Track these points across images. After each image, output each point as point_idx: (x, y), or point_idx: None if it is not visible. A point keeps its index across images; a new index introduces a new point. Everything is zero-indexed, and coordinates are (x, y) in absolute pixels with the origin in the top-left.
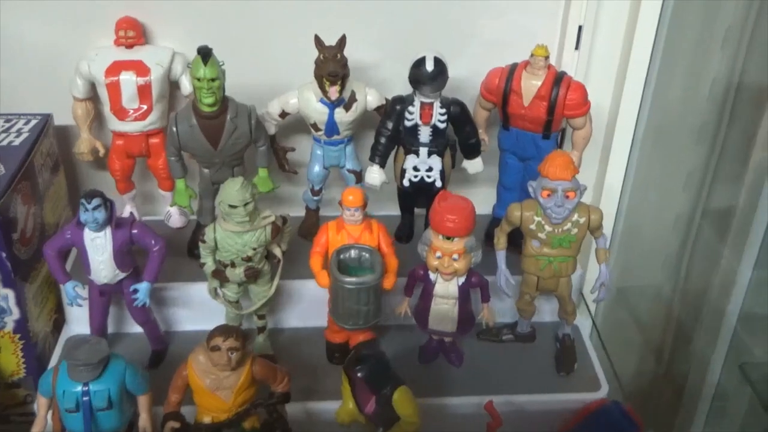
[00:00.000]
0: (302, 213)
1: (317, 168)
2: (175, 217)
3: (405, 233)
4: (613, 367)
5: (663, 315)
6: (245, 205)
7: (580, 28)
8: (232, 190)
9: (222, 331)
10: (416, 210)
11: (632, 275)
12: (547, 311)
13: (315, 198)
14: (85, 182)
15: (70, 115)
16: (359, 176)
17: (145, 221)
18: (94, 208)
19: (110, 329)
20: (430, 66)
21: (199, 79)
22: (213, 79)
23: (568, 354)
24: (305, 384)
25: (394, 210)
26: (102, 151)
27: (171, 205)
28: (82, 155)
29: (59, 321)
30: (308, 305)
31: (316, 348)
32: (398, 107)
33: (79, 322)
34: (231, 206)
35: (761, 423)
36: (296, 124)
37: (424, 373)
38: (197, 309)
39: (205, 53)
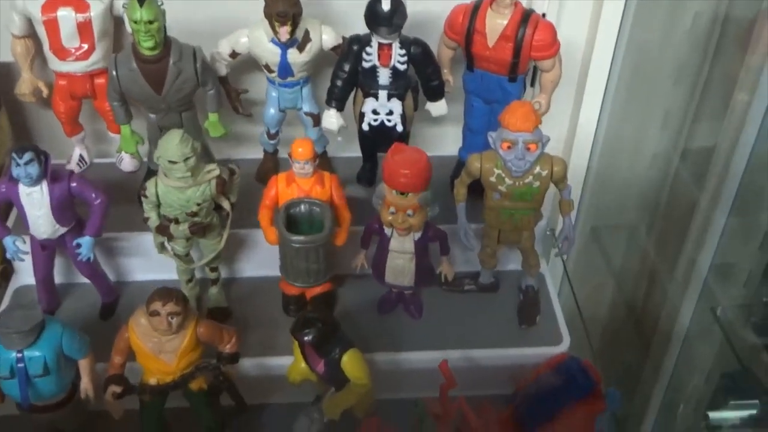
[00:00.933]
0: (261, 155)
1: (272, 111)
2: (126, 161)
3: (366, 177)
4: (581, 315)
5: (636, 256)
6: (185, 160)
7: None
8: (171, 144)
9: (161, 295)
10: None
11: (606, 215)
12: (511, 259)
13: (272, 142)
14: (31, 125)
15: (10, 53)
16: (317, 119)
17: (97, 163)
18: (26, 163)
19: (58, 280)
20: (386, 5)
21: (135, 22)
22: (151, 21)
23: (530, 306)
24: (260, 338)
25: (357, 152)
26: (45, 92)
27: (117, 151)
28: (24, 96)
29: (8, 271)
30: (264, 254)
31: (272, 298)
32: (355, 47)
33: (27, 272)
34: (171, 162)
35: (730, 365)
36: (250, 63)
37: (383, 325)
38: (149, 258)
39: None
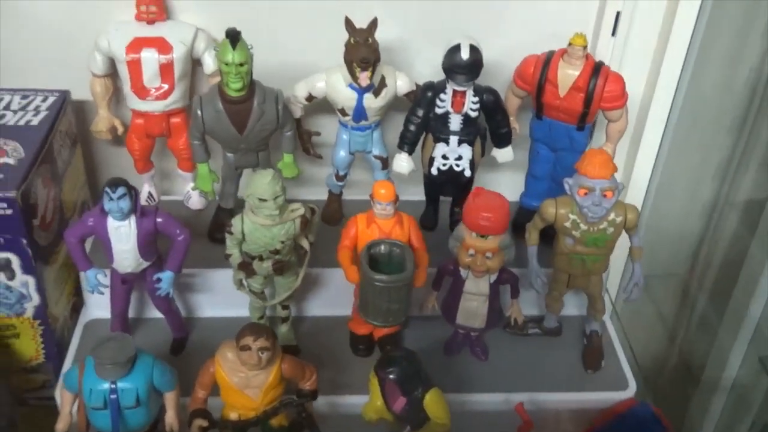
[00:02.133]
0: (324, 196)
1: (342, 153)
2: (194, 199)
3: (430, 221)
4: (637, 363)
5: (685, 305)
6: (275, 198)
7: (617, 14)
8: (263, 183)
9: (253, 330)
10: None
11: (657, 263)
12: (573, 305)
13: (339, 183)
14: (102, 160)
15: (88, 90)
16: (385, 162)
17: (163, 201)
18: (119, 197)
19: (130, 314)
20: (465, 54)
21: (227, 64)
22: (241, 64)
23: (595, 351)
24: (329, 376)
25: (418, 195)
26: (120, 130)
27: (192, 189)
28: (100, 134)
29: (78, 304)
30: (332, 294)
31: (339, 337)
32: (429, 94)
33: (97, 305)
34: (261, 200)
35: None
36: (322, 106)
37: (449, 366)
38: (219, 295)
39: (233, 36)
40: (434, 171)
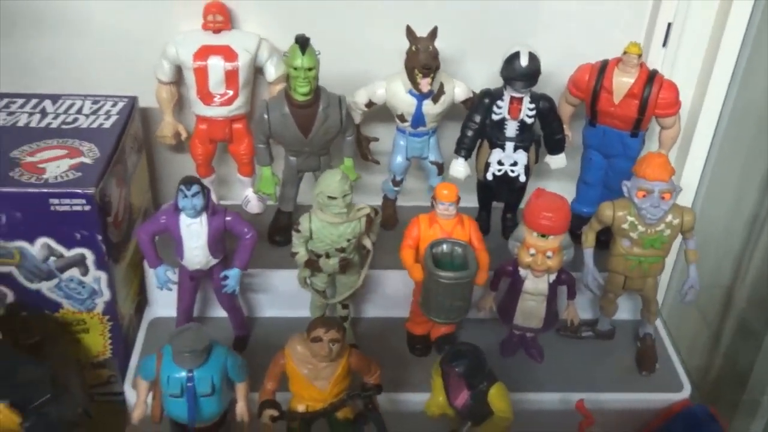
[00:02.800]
0: (378, 203)
1: (400, 159)
2: (253, 203)
3: (482, 227)
4: (685, 365)
5: (730, 315)
6: (344, 196)
7: (669, 25)
8: (333, 181)
9: (324, 323)
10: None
11: (702, 274)
12: (625, 309)
13: (395, 188)
14: (164, 166)
15: (152, 98)
16: (441, 168)
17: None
18: (193, 195)
19: (193, 314)
20: (524, 61)
21: (295, 68)
22: (310, 69)
23: (649, 353)
24: (388, 374)
25: (470, 202)
26: (184, 135)
27: (255, 191)
28: (165, 138)
29: (141, 303)
30: (389, 295)
31: (396, 338)
32: (486, 101)
33: (161, 304)
34: (330, 197)
35: None
36: (379, 113)
37: (504, 367)
38: (279, 295)
39: (303, 42)
40: (489, 176)
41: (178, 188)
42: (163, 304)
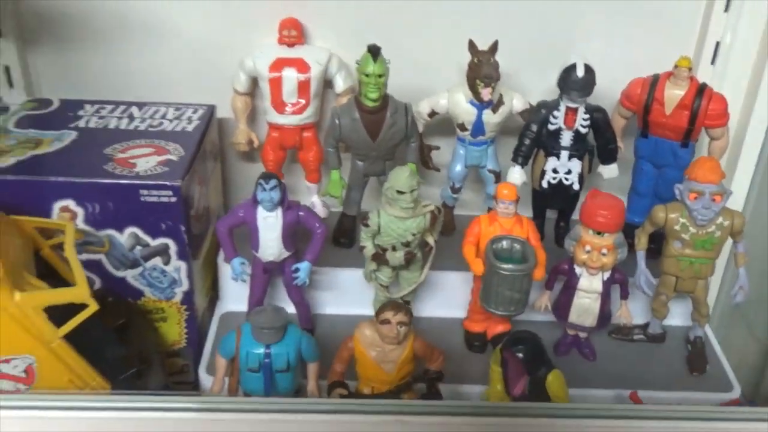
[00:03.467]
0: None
1: (459, 167)
2: (318, 208)
3: None
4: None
5: None
6: (412, 191)
7: (717, 44)
8: (402, 176)
9: (392, 306)
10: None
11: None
12: (675, 315)
13: (454, 195)
14: (234, 173)
15: (226, 110)
16: (498, 176)
17: None
18: (272, 188)
19: None
20: (580, 72)
21: (367, 75)
22: (380, 76)
23: (700, 355)
24: (447, 368)
25: (524, 210)
26: (256, 142)
27: (322, 195)
28: (239, 145)
29: (213, 298)
30: (447, 295)
31: (453, 336)
32: (543, 111)
33: (232, 299)
34: (399, 192)
35: None
36: (439, 126)
37: (558, 365)
38: (342, 293)
39: (375, 51)
40: (544, 184)
41: (257, 182)
42: (234, 299)
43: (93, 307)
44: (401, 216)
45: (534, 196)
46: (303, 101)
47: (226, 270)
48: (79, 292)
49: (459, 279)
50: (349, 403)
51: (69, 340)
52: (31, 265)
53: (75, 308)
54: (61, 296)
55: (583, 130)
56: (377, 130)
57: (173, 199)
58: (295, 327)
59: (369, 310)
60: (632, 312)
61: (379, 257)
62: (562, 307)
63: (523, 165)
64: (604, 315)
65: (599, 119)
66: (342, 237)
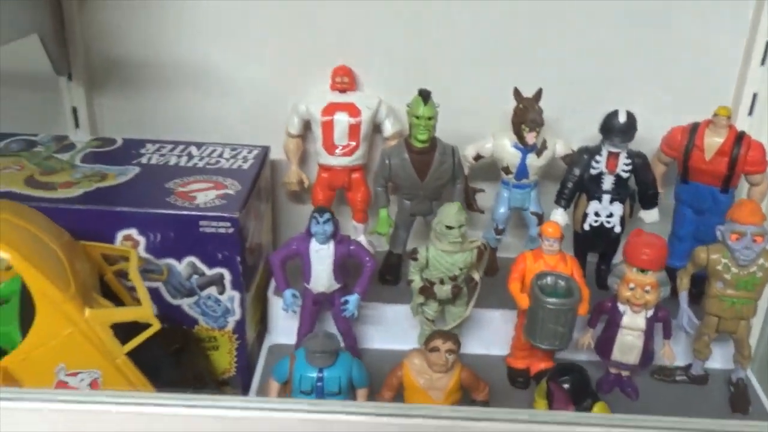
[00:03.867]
0: None
1: (502, 209)
2: (364, 244)
3: None
4: None
5: None
6: (460, 227)
7: (754, 95)
8: (451, 212)
9: (441, 334)
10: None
11: None
12: (717, 358)
13: (497, 237)
14: (283, 214)
15: (277, 152)
16: (541, 219)
17: None
18: (325, 222)
19: None
20: (622, 118)
21: (417, 117)
22: (429, 118)
23: (742, 396)
24: (491, 403)
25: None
26: (307, 183)
27: (369, 233)
28: (291, 185)
29: (261, 332)
30: (489, 333)
31: (496, 373)
32: (585, 156)
33: (280, 332)
34: (448, 227)
35: None
36: (483, 170)
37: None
38: (388, 328)
39: (426, 95)
40: (586, 227)
41: (311, 216)
42: (282, 332)
43: (156, 326)
44: (449, 250)
45: (575, 239)
46: (353, 143)
47: (275, 303)
48: (144, 311)
49: (502, 317)
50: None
51: (131, 358)
52: (97, 288)
53: (135, 331)
54: (127, 314)
55: (625, 175)
56: (425, 170)
57: (230, 230)
58: (347, 353)
59: (414, 346)
60: (675, 353)
61: (427, 290)
62: (605, 344)
63: (565, 207)
64: (647, 354)
65: (640, 164)
66: (388, 274)
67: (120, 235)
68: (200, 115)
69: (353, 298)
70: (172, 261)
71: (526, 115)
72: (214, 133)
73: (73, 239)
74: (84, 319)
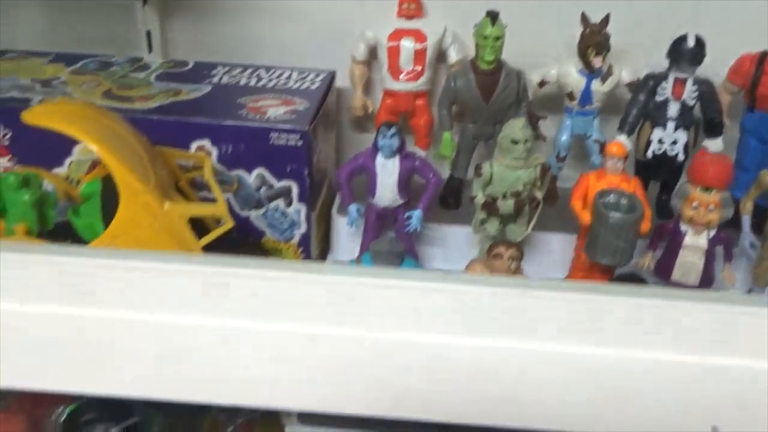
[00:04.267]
0: None
1: (565, 137)
2: None
3: None
4: None
5: None
6: (525, 141)
7: None
8: (517, 127)
9: (504, 242)
10: None
11: None
12: None
13: (559, 164)
14: (346, 144)
15: (342, 80)
16: (603, 146)
17: None
18: (392, 136)
19: None
20: (691, 42)
21: (485, 37)
22: (497, 38)
23: None
24: None
25: None
26: (371, 108)
27: (433, 157)
28: (355, 110)
29: (324, 250)
30: (549, 257)
31: None
32: (651, 82)
33: (343, 251)
34: (513, 141)
35: None
36: (546, 101)
37: None
38: (448, 249)
39: (494, 15)
40: (649, 154)
41: (378, 130)
42: (345, 251)
43: (230, 223)
44: (513, 166)
45: (637, 168)
46: (418, 68)
47: (339, 222)
48: (219, 208)
49: (562, 241)
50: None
51: None
52: (174, 190)
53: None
54: (203, 209)
55: (691, 102)
56: (490, 92)
57: (300, 143)
58: (411, 259)
59: None
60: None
61: (490, 206)
62: (665, 266)
63: (629, 134)
64: (708, 275)
65: (706, 91)
66: (450, 198)
67: (194, 146)
68: (269, 41)
69: (417, 213)
70: (242, 172)
71: (593, 39)
72: (283, 59)
73: (151, 144)
74: (164, 211)
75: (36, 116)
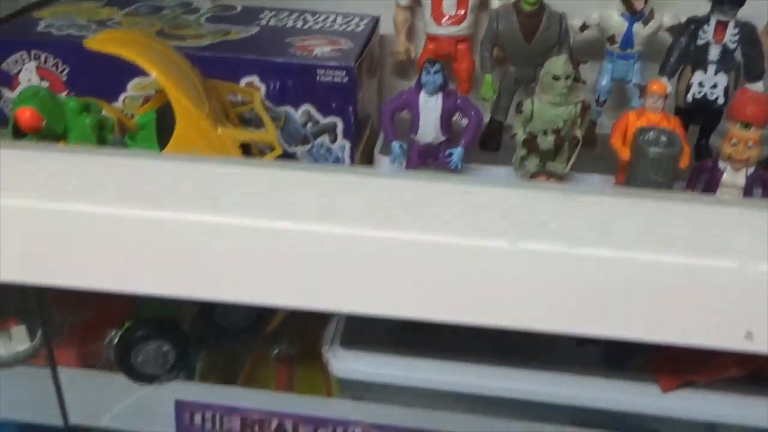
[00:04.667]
0: None
1: (605, 81)
2: None
3: None
4: None
5: None
6: (566, 78)
7: None
8: (559, 63)
9: (546, 172)
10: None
11: None
12: None
13: (599, 109)
14: (387, 89)
15: (385, 27)
16: (643, 91)
17: None
18: (435, 72)
19: None
20: None
21: None
22: None
23: None
24: None
25: None
26: (413, 53)
27: (475, 100)
28: (399, 54)
29: None
30: None
31: None
32: (692, 26)
33: None
34: (555, 77)
35: None
36: (586, 46)
37: None
38: None
39: None
40: (689, 98)
41: (422, 67)
42: None
43: (278, 150)
44: (554, 102)
45: (677, 113)
46: (461, 12)
47: (382, 163)
48: (269, 135)
49: (600, 181)
50: None
51: None
52: (226, 120)
53: None
54: (254, 136)
55: (732, 45)
56: (532, 34)
57: (345, 80)
58: None
59: None
60: None
61: (530, 143)
62: None
63: (669, 77)
64: None
65: (748, 34)
66: (489, 141)
67: (243, 82)
68: None
69: (458, 150)
70: (289, 108)
71: None
72: (327, 4)
73: (204, 77)
74: (217, 135)
75: (98, 42)
